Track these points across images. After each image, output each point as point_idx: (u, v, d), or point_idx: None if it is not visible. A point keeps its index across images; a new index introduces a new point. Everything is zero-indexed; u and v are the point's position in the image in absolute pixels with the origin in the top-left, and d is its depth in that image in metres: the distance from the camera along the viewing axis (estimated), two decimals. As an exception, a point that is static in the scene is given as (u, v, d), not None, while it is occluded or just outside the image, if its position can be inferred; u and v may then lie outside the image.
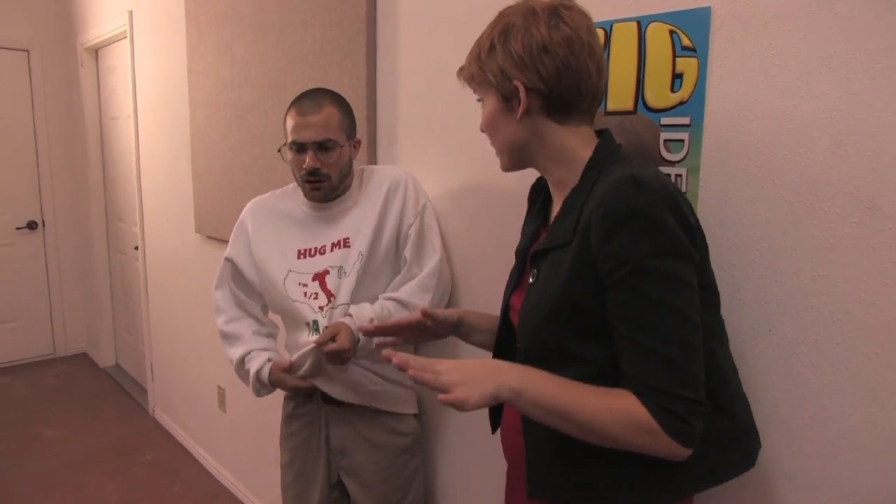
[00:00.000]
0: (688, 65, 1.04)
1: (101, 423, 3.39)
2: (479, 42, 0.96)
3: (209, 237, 2.62)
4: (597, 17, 1.15)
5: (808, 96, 0.91)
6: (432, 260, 1.47)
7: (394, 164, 1.61)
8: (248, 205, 1.58)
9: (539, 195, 1.09)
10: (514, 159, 0.99)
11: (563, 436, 0.85)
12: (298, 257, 1.48)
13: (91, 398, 3.72)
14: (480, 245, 1.48)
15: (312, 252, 1.48)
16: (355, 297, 1.44)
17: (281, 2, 1.96)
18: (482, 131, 1.01)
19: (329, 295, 1.44)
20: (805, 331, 0.95)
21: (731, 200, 1.01)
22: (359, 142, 1.48)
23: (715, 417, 0.87)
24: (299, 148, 1.38)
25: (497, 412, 1.09)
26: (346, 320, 1.40)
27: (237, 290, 1.56)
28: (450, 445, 1.64)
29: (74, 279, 4.35)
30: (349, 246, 1.46)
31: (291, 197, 1.55)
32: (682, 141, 1.06)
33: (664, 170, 1.08)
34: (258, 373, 1.48)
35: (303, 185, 1.44)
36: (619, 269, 0.81)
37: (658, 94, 1.08)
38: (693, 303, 0.82)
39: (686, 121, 1.05)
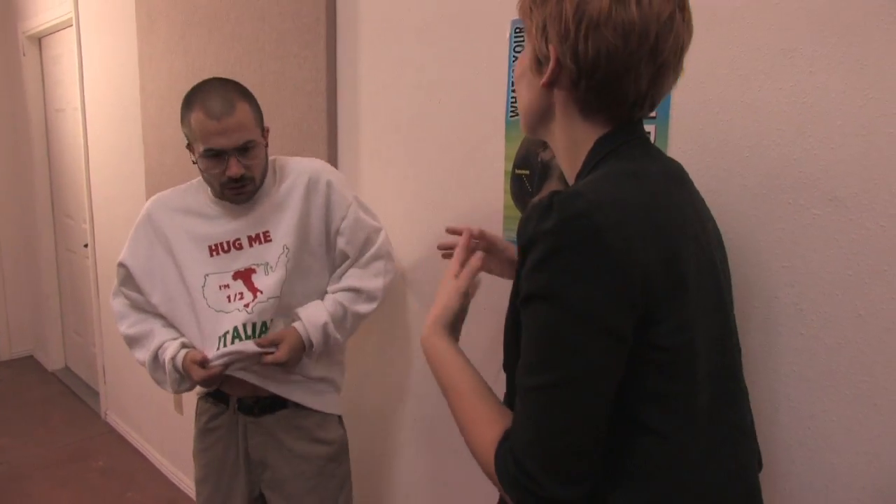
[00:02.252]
0: (653, 57, 1.03)
1: (49, 428, 3.24)
2: None
3: (163, 234, 2.53)
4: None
5: (772, 89, 0.92)
6: (374, 245, 1.42)
7: (310, 157, 1.49)
8: (148, 203, 1.44)
9: None
10: (529, 125, 0.83)
11: None
12: (211, 254, 1.36)
13: (38, 403, 3.56)
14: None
15: (226, 247, 1.36)
16: (286, 292, 1.35)
17: (236, -11, 1.89)
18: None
19: (255, 291, 1.35)
20: (770, 322, 0.96)
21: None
22: (267, 129, 1.37)
23: None
24: (216, 154, 1.25)
25: None
26: (297, 326, 1.34)
27: (134, 295, 1.42)
28: (377, 448, 1.62)
29: (19, 279, 4.15)
30: (270, 240, 1.36)
31: (196, 192, 1.42)
32: (649, 133, 1.05)
33: (630, 162, 1.07)
34: (174, 359, 1.34)
35: (222, 192, 1.32)
36: (522, 295, 0.68)
37: (624, 86, 1.07)
38: (576, 371, 0.64)
39: (652, 113, 1.04)
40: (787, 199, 0.92)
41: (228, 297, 1.34)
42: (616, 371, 0.66)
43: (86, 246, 3.32)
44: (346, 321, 1.39)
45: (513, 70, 0.83)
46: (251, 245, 1.36)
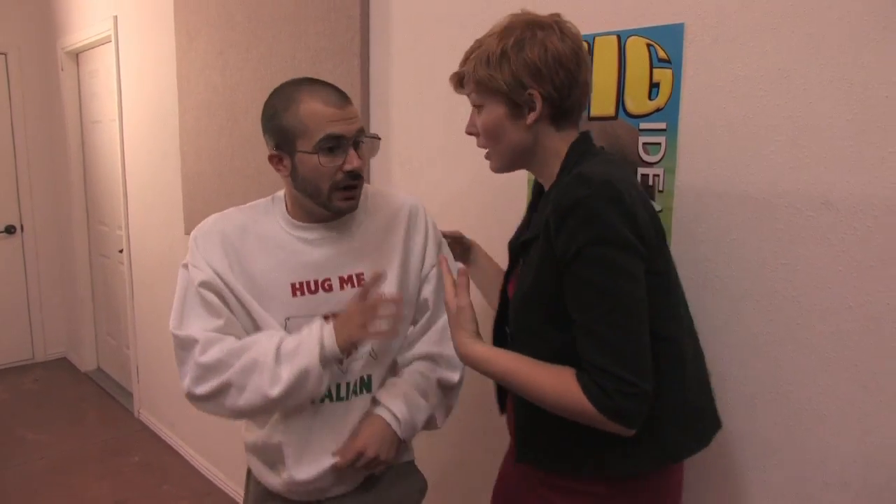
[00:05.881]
0: (664, 75, 1.15)
1: (85, 426, 3.39)
2: (484, 49, 0.97)
3: (199, 239, 2.67)
4: (580, 30, 1.25)
5: (770, 105, 1.03)
6: None
7: (398, 189, 1.35)
8: (211, 221, 1.17)
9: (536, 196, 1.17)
10: (512, 162, 1.04)
11: (546, 412, 0.96)
12: (294, 293, 1.12)
13: (74, 402, 3.72)
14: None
15: (313, 287, 1.13)
16: (381, 350, 1.17)
17: (274, 10, 2.03)
18: (470, 134, 1.06)
19: None
20: (769, 314, 1.06)
21: (703, 197, 1.12)
22: None
23: (671, 400, 0.95)
24: (336, 145, 1.06)
25: (502, 395, 1.18)
26: (384, 416, 1.14)
27: (217, 321, 1.10)
28: (454, 461, 1.73)
29: (54, 283, 4.33)
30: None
31: (266, 215, 1.18)
32: (659, 144, 1.16)
33: (643, 170, 1.19)
34: (322, 334, 1.05)
35: (330, 197, 1.09)
36: (565, 256, 0.89)
37: (637, 101, 1.19)
38: (631, 288, 0.88)
39: (662, 126, 1.16)
40: (784, 203, 1.03)
41: None
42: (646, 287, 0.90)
43: (121, 251, 3.48)
44: (430, 391, 1.19)
45: (468, 132, 1.06)
46: (342, 288, 1.14)
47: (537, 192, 1.16)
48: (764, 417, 1.09)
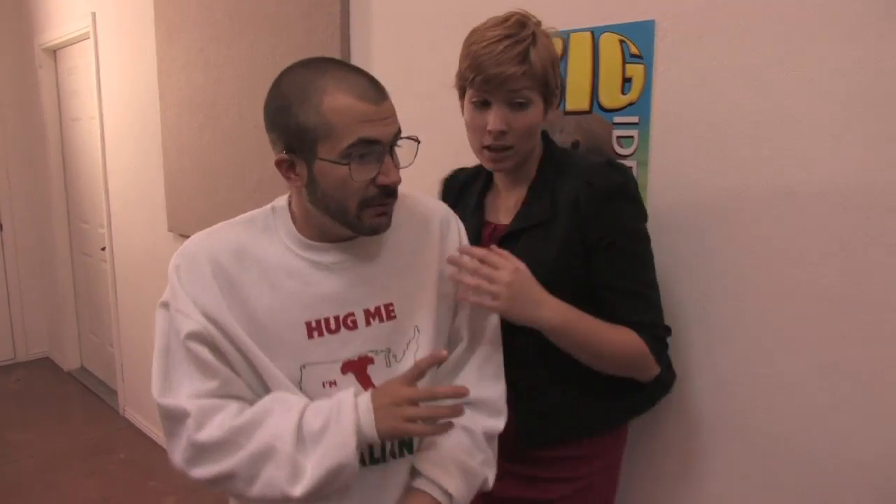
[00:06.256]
0: (636, 70, 1.18)
1: (70, 424, 3.38)
2: (539, 46, 0.98)
3: (182, 235, 2.67)
4: (556, 26, 1.29)
5: (737, 100, 1.07)
6: (491, 326, 1.02)
7: (425, 194, 1.09)
8: (196, 248, 0.92)
9: (461, 192, 1.23)
10: (529, 158, 1.10)
11: (542, 390, 1.07)
12: (311, 335, 0.90)
13: (57, 401, 3.70)
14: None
15: (333, 325, 0.91)
16: None
17: (255, 7, 2.04)
18: (500, 132, 1.01)
19: None
20: (739, 299, 1.11)
21: (675, 188, 1.16)
22: None
23: None
24: (369, 151, 0.84)
25: None
26: (434, 495, 0.90)
27: (211, 383, 0.86)
28: None
29: (35, 282, 4.29)
30: (394, 317, 0.94)
31: (266, 232, 0.94)
32: (632, 137, 1.20)
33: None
34: (359, 416, 0.82)
35: (359, 216, 0.88)
36: (610, 234, 1.01)
37: (610, 95, 1.22)
38: (652, 254, 1.07)
39: (635, 119, 1.19)
40: (750, 193, 1.07)
41: None
42: None
43: (103, 249, 3.46)
44: (477, 449, 0.96)
45: (502, 128, 1.01)
46: (368, 324, 0.92)
47: (458, 193, 1.22)
48: (736, 401, 1.13)
